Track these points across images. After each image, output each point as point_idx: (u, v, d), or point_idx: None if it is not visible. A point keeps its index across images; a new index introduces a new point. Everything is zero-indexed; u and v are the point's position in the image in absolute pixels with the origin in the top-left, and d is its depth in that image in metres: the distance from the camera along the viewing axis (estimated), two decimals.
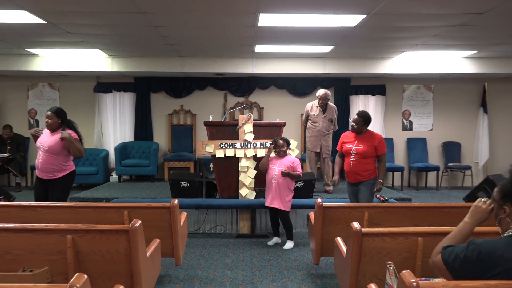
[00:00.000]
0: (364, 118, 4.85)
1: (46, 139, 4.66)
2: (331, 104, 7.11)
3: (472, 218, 2.01)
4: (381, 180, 4.86)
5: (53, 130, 4.67)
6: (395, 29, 5.94)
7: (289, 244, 5.23)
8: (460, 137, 9.45)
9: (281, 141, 5.22)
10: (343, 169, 5.04)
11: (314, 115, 7.06)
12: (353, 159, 4.83)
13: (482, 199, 2.03)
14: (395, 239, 2.77)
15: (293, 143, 5.54)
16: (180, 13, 5.18)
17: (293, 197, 5.91)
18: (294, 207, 5.69)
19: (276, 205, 5.15)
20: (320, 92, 6.96)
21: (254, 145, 6.01)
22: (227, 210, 5.90)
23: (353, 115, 9.21)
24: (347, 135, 5.04)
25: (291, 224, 5.30)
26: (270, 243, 5.36)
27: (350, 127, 5.02)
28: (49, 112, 4.67)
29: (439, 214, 3.80)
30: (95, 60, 8.23)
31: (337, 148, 5.17)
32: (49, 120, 4.64)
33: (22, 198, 7.25)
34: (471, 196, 6.22)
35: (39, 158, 4.65)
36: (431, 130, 9.55)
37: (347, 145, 4.91)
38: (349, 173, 4.92)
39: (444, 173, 9.34)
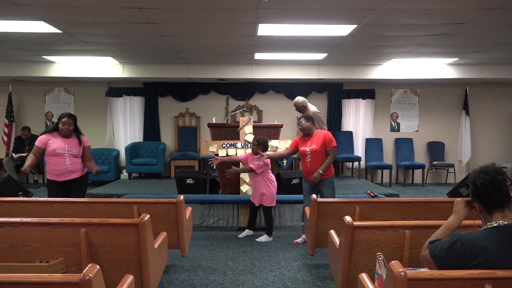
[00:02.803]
0: (312, 119, 4.78)
1: (67, 145, 4.44)
2: (311, 109, 6.60)
3: (454, 215, 2.04)
4: (320, 171, 4.59)
5: (69, 135, 4.50)
6: (384, 38, 5.94)
7: (262, 238, 5.08)
8: (444, 137, 9.44)
9: (254, 140, 5.12)
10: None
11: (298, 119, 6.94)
12: (309, 159, 4.70)
13: (458, 199, 2.07)
14: (384, 232, 2.76)
15: (289, 144, 5.51)
16: (186, 24, 5.17)
17: (289, 193, 5.90)
18: (290, 202, 5.68)
19: (257, 201, 5.07)
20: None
21: None
22: (229, 205, 5.89)
23: (345, 118, 9.35)
24: (301, 139, 4.86)
25: (271, 219, 5.14)
26: (240, 236, 5.24)
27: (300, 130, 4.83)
28: (66, 119, 4.42)
29: (425, 208, 3.79)
30: (107, 67, 8.22)
31: (289, 146, 4.97)
32: (69, 127, 4.43)
33: (40, 194, 7.24)
34: (454, 192, 6.20)
35: (66, 162, 4.41)
36: (417, 131, 9.54)
37: (302, 148, 4.76)
38: (309, 173, 4.73)
39: (429, 171, 9.33)
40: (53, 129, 4.52)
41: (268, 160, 5.04)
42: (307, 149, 4.70)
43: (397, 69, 8.33)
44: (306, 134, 4.78)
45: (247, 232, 5.29)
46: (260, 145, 5.02)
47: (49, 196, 4.53)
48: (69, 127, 4.44)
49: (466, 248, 1.80)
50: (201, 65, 8.28)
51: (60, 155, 4.42)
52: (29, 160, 4.47)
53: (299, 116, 6.69)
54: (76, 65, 8.13)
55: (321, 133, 4.74)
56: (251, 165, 4.98)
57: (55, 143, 4.43)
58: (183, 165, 8.81)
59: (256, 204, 5.12)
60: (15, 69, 8.09)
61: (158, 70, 8.29)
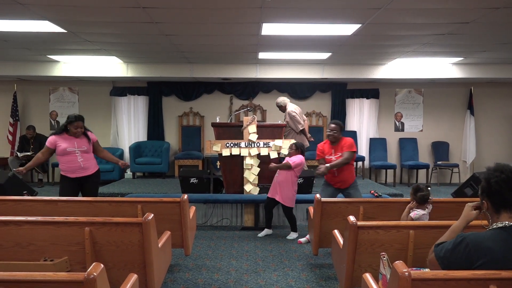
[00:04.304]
0: (340, 126, 4.81)
1: (76, 142, 4.59)
2: (288, 108, 6.91)
3: (461, 218, 2.04)
4: (328, 165, 4.63)
5: (80, 136, 4.65)
6: (388, 38, 5.92)
7: (292, 235, 5.21)
8: (448, 137, 9.40)
9: (292, 145, 5.28)
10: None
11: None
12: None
13: (470, 203, 2.07)
14: (388, 232, 2.76)
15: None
16: (190, 23, 5.18)
17: None
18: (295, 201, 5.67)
19: (278, 198, 5.12)
20: None
21: (258, 144, 6.01)
22: (232, 204, 5.89)
23: (349, 117, 9.33)
24: (324, 147, 4.85)
25: (293, 217, 5.26)
26: (260, 235, 5.29)
27: (327, 136, 4.84)
28: (77, 122, 4.55)
29: None
30: (111, 66, 8.24)
31: (317, 158, 4.97)
32: (81, 129, 4.60)
33: (44, 193, 7.28)
34: (459, 192, 6.17)
35: (78, 159, 4.56)
36: (421, 130, 9.51)
37: (327, 157, 4.77)
38: (336, 182, 4.79)
39: (434, 171, 9.30)
40: (62, 131, 4.63)
41: (304, 161, 5.19)
42: (333, 157, 4.74)
43: (402, 69, 8.30)
44: (333, 141, 4.78)
45: (266, 231, 5.33)
46: (298, 150, 5.16)
47: (60, 191, 4.71)
48: (81, 129, 4.62)
49: (471, 248, 1.79)
50: (205, 65, 8.29)
51: (71, 153, 4.58)
52: (32, 161, 4.77)
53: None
54: (81, 64, 8.16)
55: (344, 140, 4.78)
56: (289, 161, 5.06)
57: (64, 142, 4.58)
58: (187, 164, 8.82)
59: (277, 199, 5.12)
60: (20, 69, 8.12)
61: (162, 69, 8.31)
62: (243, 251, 4.67)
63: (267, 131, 6.14)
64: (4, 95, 9.14)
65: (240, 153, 5.98)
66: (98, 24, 5.22)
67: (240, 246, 4.87)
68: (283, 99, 7.00)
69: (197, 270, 4.05)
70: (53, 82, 9.24)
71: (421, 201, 3.57)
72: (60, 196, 4.64)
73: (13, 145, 8.88)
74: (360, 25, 5.17)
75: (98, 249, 2.71)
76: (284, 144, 5.96)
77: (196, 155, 8.87)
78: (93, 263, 1.86)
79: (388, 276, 2.18)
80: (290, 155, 5.24)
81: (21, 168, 4.70)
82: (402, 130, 9.52)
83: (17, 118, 8.97)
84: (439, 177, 9.37)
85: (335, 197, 4.73)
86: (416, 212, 3.57)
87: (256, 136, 6.01)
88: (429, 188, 3.64)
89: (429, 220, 3.57)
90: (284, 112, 7.01)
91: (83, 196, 4.72)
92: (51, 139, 4.61)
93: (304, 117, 7.16)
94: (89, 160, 4.71)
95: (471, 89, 9.24)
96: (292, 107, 6.94)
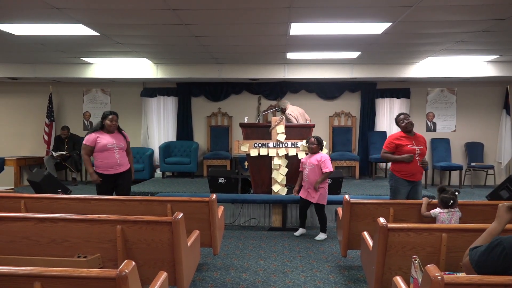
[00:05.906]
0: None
1: (114, 140, 4.83)
2: (288, 109, 6.91)
3: (496, 220, 1.98)
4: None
5: (113, 131, 4.88)
6: (420, 36, 5.79)
7: (321, 236, 5.20)
8: (482, 137, 9.10)
9: (312, 139, 5.26)
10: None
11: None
12: (418, 158, 4.58)
13: (500, 204, 2.01)
14: (420, 235, 2.70)
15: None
16: (219, 24, 5.21)
17: None
18: None
19: (311, 199, 5.14)
20: None
21: (286, 144, 6.00)
22: (260, 204, 5.90)
23: (378, 117, 9.17)
24: (400, 137, 4.64)
25: (325, 217, 5.25)
26: (296, 233, 5.34)
27: (405, 127, 4.64)
28: (112, 115, 4.83)
29: (463, 211, 3.68)
30: (142, 68, 8.40)
31: (388, 149, 4.65)
32: (116, 123, 4.86)
33: (78, 191, 7.48)
34: (494, 195, 5.99)
35: (115, 155, 4.80)
36: (454, 131, 9.24)
37: (409, 146, 4.56)
38: (415, 173, 4.60)
39: (467, 172, 9.02)
40: (100, 128, 4.87)
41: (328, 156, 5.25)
42: (417, 148, 4.61)
43: (434, 68, 8.09)
44: (410, 130, 4.68)
45: (301, 230, 5.37)
46: (320, 145, 5.23)
47: (97, 189, 4.90)
48: (116, 123, 4.87)
49: (507, 252, 1.72)
50: (233, 65, 8.33)
51: (110, 150, 4.79)
52: (89, 165, 4.84)
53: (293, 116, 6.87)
54: (113, 66, 8.36)
55: (421, 136, 4.74)
56: (325, 170, 5.06)
57: (104, 139, 4.80)
58: (215, 164, 8.89)
59: (311, 200, 5.14)
60: (55, 71, 8.39)
61: (191, 70, 8.40)
62: (271, 252, 4.67)
63: (295, 131, 6.13)
64: (41, 97, 9.46)
65: (268, 153, 5.99)
66: (129, 26, 5.33)
67: (268, 247, 4.87)
68: (284, 102, 7.11)
69: (225, 270, 4.08)
70: (86, 83, 9.50)
71: (441, 203, 3.53)
72: (98, 193, 4.83)
73: (48, 145, 9.18)
74: (390, 23, 5.08)
75: (129, 247, 2.77)
76: None
77: (224, 155, 8.92)
78: (125, 260, 1.90)
79: (420, 280, 2.13)
80: (312, 150, 5.22)
81: (96, 177, 4.77)
82: (434, 130, 9.29)
83: (52, 118, 9.27)
84: (473, 179, 9.09)
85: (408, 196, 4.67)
86: (435, 210, 3.54)
87: (284, 136, 6.00)
88: (456, 193, 3.54)
89: (460, 223, 3.50)
90: (283, 112, 7.07)
91: (116, 193, 4.88)
92: (91, 137, 4.77)
93: (307, 116, 7.04)
94: (125, 157, 4.96)
95: (507, 88, 8.92)
96: (291, 108, 6.97)
